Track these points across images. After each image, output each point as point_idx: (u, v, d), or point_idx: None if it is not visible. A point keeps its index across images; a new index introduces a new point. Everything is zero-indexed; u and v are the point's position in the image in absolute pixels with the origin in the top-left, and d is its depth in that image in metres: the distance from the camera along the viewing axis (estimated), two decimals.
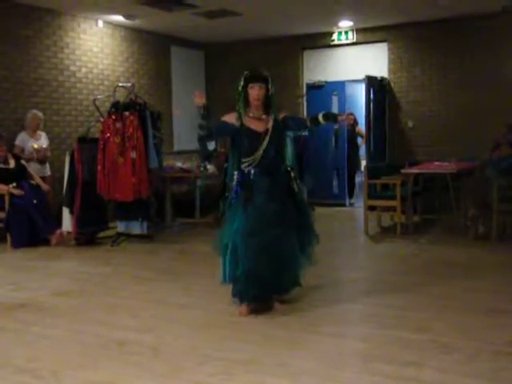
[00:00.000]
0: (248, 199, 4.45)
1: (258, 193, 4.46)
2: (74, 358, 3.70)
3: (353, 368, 3.50)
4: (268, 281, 4.44)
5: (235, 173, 4.61)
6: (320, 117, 4.65)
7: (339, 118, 4.75)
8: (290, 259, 4.55)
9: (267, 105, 4.57)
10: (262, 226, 4.40)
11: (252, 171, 4.51)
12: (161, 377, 3.37)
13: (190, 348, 3.83)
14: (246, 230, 4.40)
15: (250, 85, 4.50)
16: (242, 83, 4.52)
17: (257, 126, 4.54)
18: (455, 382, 3.22)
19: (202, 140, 4.76)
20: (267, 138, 4.51)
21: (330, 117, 4.76)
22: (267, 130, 4.53)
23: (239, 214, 4.48)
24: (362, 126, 10.78)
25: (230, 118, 4.60)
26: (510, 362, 3.51)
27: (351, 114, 4.91)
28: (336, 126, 4.77)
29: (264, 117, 4.57)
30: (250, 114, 4.56)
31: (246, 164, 4.53)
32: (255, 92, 4.49)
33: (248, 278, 4.38)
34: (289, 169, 4.66)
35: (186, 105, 11.19)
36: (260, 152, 4.49)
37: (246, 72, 4.58)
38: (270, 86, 4.54)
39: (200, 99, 4.68)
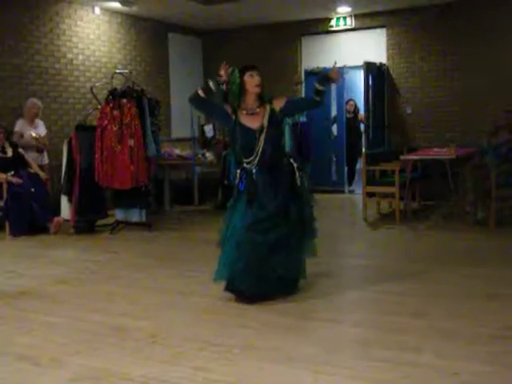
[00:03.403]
0: (252, 198, 4.41)
1: (261, 191, 4.43)
2: (73, 345, 3.71)
3: (351, 353, 3.51)
4: (275, 280, 4.45)
5: (238, 171, 4.58)
6: (317, 86, 4.48)
7: (330, 75, 4.51)
8: (297, 255, 4.55)
9: (261, 96, 4.51)
10: (267, 224, 4.38)
11: (253, 170, 4.47)
12: (160, 363, 3.38)
13: (188, 334, 3.84)
14: (251, 228, 4.37)
15: (248, 73, 4.45)
16: (237, 75, 4.46)
17: (251, 123, 4.47)
18: (453, 366, 3.23)
19: (193, 99, 4.64)
20: (263, 137, 4.42)
21: (323, 80, 4.52)
22: (262, 126, 4.44)
23: (243, 211, 4.44)
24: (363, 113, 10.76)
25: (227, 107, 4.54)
26: (508, 346, 3.52)
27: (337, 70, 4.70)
28: (336, 82, 4.52)
29: (258, 110, 4.50)
30: (244, 112, 4.49)
31: (247, 163, 4.49)
32: (255, 79, 4.44)
33: (250, 277, 4.36)
34: (291, 161, 4.60)
35: (183, 92, 11.18)
36: (257, 152, 4.42)
37: (232, 68, 4.51)
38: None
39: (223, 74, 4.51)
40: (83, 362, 3.43)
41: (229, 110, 4.53)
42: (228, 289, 4.51)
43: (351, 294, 4.76)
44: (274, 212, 4.41)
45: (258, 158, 4.44)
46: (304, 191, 4.61)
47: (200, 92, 4.51)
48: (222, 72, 4.48)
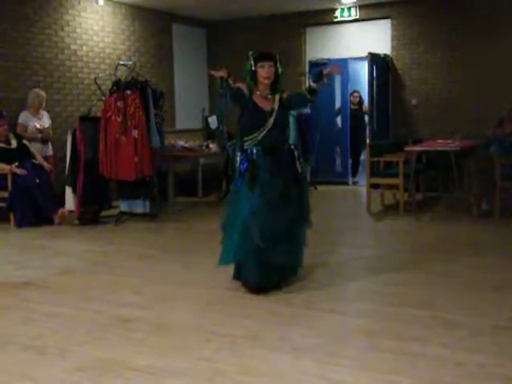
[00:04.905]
0: (253, 179, 4.41)
1: (262, 172, 4.44)
2: (78, 335, 3.72)
3: (356, 344, 3.52)
4: (278, 268, 4.47)
5: (238, 154, 4.58)
6: (312, 84, 4.54)
7: (324, 73, 4.50)
8: (297, 243, 4.59)
9: (274, 85, 4.54)
10: (272, 212, 4.39)
11: (254, 150, 4.48)
12: (165, 353, 3.39)
13: (194, 325, 3.85)
14: (257, 215, 4.36)
15: (260, 63, 4.46)
16: (251, 62, 4.48)
17: (264, 105, 4.52)
18: (458, 357, 3.23)
19: (223, 97, 4.64)
20: (272, 118, 4.47)
21: (317, 78, 4.53)
22: (273, 109, 4.50)
23: (246, 194, 4.43)
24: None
25: (243, 87, 4.55)
26: None
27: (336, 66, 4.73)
28: (326, 81, 4.54)
29: (270, 96, 4.55)
30: (258, 93, 4.54)
31: (249, 142, 4.50)
32: (265, 71, 4.45)
33: (256, 267, 4.37)
34: (292, 147, 4.64)
35: (187, 83, 11.18)
36: (264, 131, 4.45)
37: (252, 52, 4.53)
38: (278, 65, 4.52)
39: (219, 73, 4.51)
40: (88, 351, 3.44)
41: (244, 89, 4.52)
42: (236, 278, 4.55)
43: (356, 285, 4.76)
44: (278, 199, 4.42)
45: (262, 137, 4.44)
46: (302, 179, 4.65)
47: (220, 90, 4.47)
48: (215, 73, 4.45)
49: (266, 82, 4.48)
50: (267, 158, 4.47)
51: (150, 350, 3.43)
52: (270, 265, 4.42)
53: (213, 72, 4.47)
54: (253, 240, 4.34)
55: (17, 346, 3.55)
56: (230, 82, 4.40)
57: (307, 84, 10.68)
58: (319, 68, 4.69)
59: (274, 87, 4.55)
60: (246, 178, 4.45)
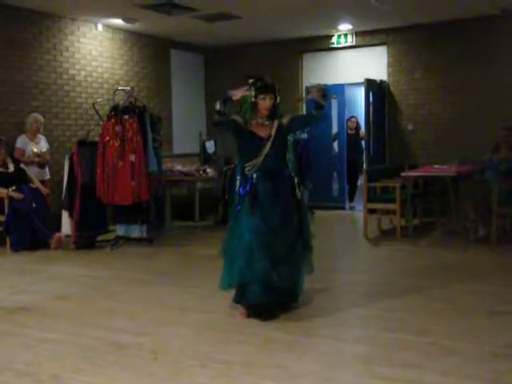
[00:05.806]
0: (253, 203, 4.44)
1: (262, 196, 4.47)
2: (73, 361, 3.69)
3: (353, 371, 3.49)
4: (280, 292, 4.47)
5: (238, 178, 4.63)
6: (314, 112, 4.73)
7: (322, 102, 4.69)
8: (297, 268, 4.59)
9: (273, 112, 4.62)
10: (273, 235, 4.41)
11: (254, 175, 4.52)
12: (161, 380, 3.36)
13: (189, 351, 3.82)
14: (258, 238, 4.38)
15: (262, 96, 4.54)
16: (253, 93, 4.54)
17: (261, 132, 4.58)
18: None
19: (217, 124, 4.74)
20: (269, 143, 4.54)
21: (319, 107, 4.71)
22: (270, 135, 4.57)
23: (247, 218, 4.46)
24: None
25: (238, 118, 4.62)
26: (510, 364, 3.50)
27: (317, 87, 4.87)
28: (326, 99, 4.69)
29: (268, 123, 4.61)
30: (254, 122, 4.61)
31: (249, 168, 4.55)
32: (266, 103, 4.54)
33: (261, 289, 4.38)
34: (292, 174, 4.69)
35: (185, 108, 11.24)
36: (262, 156, 4.51)
37: (252, 80, 4.59)
38: (277, 94, 4.60)
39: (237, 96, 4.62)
40: (84, 378, 3.41)
41: (241, 120, 4.60)
42: (237, 302, 4.55)
43: (353, 311, 4.74)
44: (279, 222, 4.45)
45: (260, 162, 4.49)
46: (302, 206, 4.70)
47: (217, 117, 4.61)
48: (235, 96, 4.52)
49: (265, 112, 4.58)
50: (267, 183, 4.51)
51: (146, 377, 3.40)
52: (272, 288, 4.41)
53: (237, 92, 4.56)
54: (257, 262, 4.35)
55: (11, 373, 3.51)
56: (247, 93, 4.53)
57: (305, 110, 10.86)
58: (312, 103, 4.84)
59: (273, 114, 4.62)
60: (246, 202, 4.48)
